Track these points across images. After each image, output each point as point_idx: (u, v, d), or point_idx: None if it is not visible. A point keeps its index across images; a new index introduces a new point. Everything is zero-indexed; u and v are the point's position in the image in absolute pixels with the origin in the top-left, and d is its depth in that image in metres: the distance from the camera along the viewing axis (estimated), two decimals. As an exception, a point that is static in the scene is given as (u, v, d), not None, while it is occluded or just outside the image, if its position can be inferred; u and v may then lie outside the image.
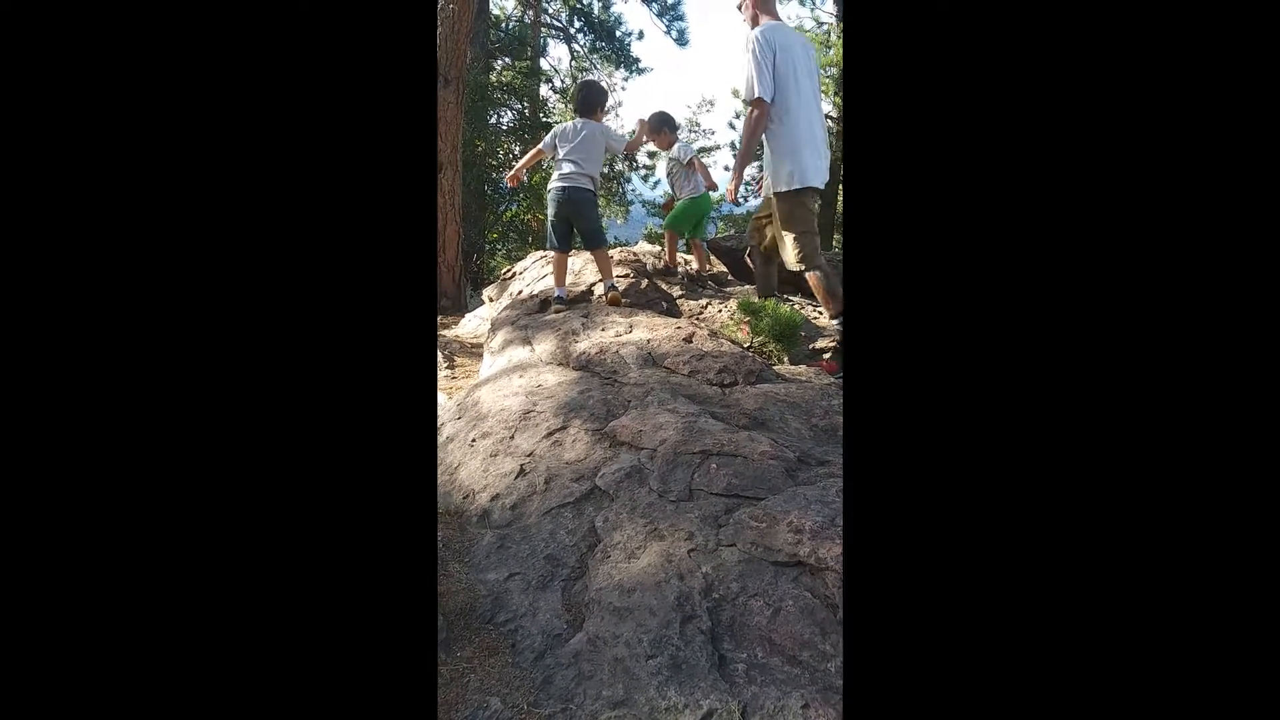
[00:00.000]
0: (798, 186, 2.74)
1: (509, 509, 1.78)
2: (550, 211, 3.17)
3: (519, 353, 2.66)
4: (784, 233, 2.81)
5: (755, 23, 2.81)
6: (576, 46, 11.20)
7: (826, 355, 2.81)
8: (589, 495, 1.72)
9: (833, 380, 2.43)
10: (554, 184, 3.15)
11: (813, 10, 12.65)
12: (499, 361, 2.69)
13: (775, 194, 2.81)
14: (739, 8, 2.91)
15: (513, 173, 3.56)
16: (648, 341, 2.43)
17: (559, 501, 1.72)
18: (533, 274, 4.16)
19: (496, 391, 2.37)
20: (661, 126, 3.67)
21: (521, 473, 1.89)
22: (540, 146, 3.26)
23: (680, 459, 1.70)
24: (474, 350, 3.68)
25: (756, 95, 2.68)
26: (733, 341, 2.53)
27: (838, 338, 2.89)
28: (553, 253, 3.24)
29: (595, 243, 3.17)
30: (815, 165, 2.74)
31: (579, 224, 3.15)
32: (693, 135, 17.43)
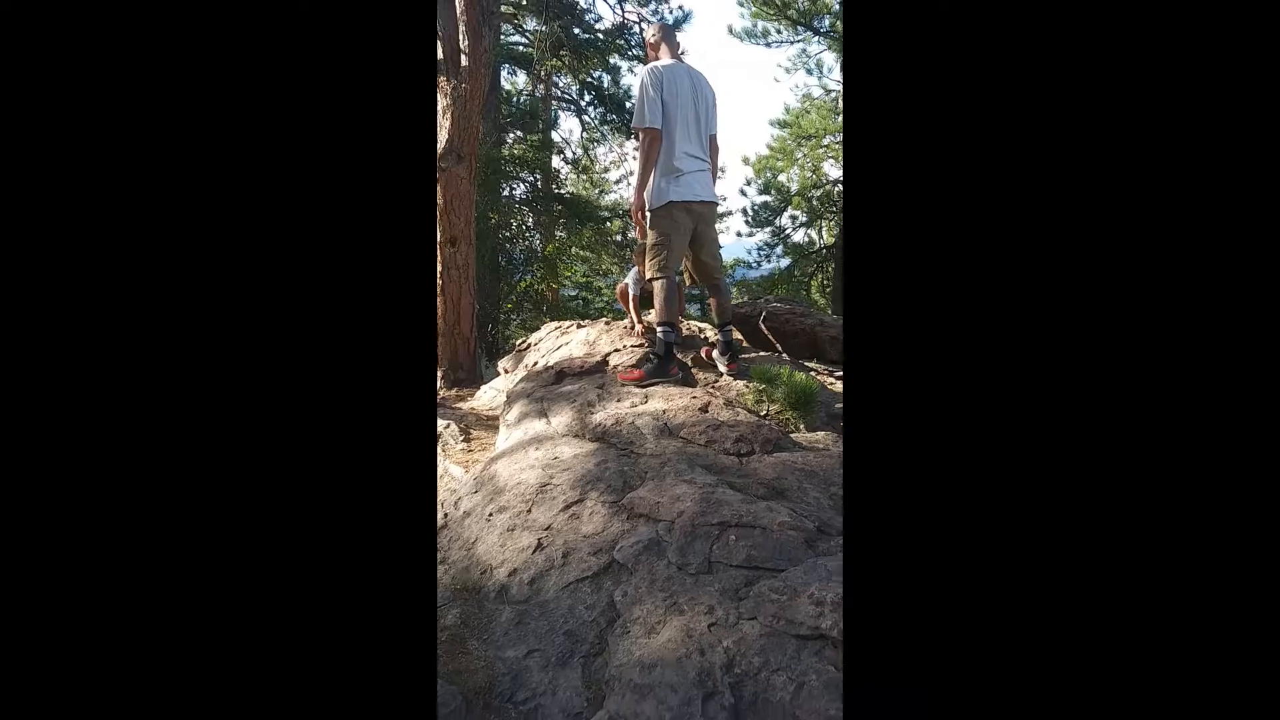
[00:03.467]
0: (658, 204, 3.04)
1: (527, 584, 1.78)
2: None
3: (536, 425, 2.69)
4: (645, 242, 3.16)
5: (649, 61, 3.17)
6: (587, 118, 11.56)
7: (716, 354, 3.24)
8: (607, 569, 1.71)
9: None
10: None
11: (820, 79, 13.05)
12: (515, 434, 2.72)
13: (648, 211, 3.11)
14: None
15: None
16: (664, 412, 2.45)
17: (577, 576, 1.72)
18: (548, 344, 4.23)
19: (513, 465, 2.39)
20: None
21: (539, 547, 1.89)
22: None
23: (699, 530, 1.70)
24: (490, 423, 3.71)
25: (646, 124, 2.97)
26: (749, 411, 2.55)
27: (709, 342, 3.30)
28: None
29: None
30: (678, 186, 3.01)
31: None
32: None
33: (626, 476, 2.11)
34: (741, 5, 11.61)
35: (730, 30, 11.88)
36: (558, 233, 11.28)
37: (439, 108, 4.72)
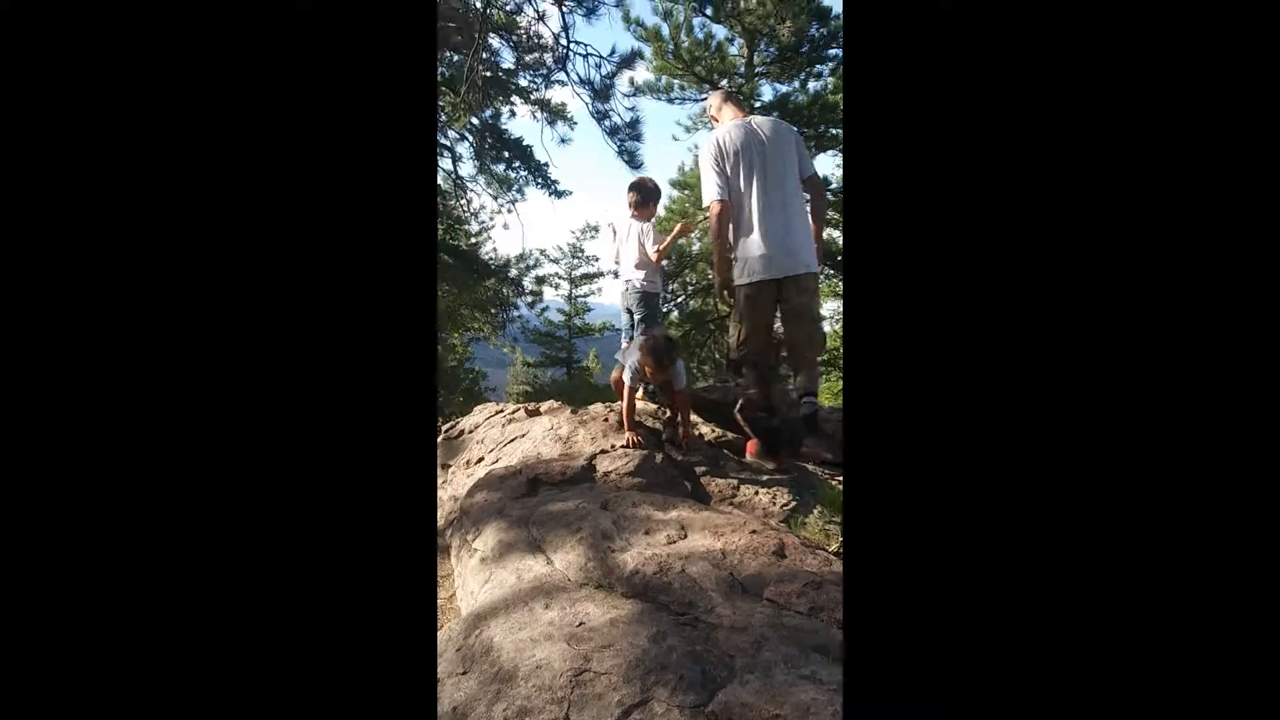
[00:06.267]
0: (745, 281, 2.80)
1: None
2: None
3: (532, 566, 2.00)
4: (732, 321, 2.95)
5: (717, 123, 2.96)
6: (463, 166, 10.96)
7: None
8: None
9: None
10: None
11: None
12: (502, 576, 2.01)
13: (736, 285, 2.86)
14: (704, 115, 3.06)
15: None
16: (720, 553, 1.85)
17: None
18: (493, 436, 3.52)
19: (518, 632, 1.70)
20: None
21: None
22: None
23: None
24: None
25: (707, 200, 2.77)
26: (835, 555, 1.99)
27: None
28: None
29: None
30: (760, 260, 2.76)
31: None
32: (576, 262, 17.50)
33: (704, 663, 1.48)
34: (644, 59, 11.34)
35: (632, 84, 11.53)
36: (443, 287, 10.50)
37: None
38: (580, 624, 1.68)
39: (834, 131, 10.56)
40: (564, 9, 7.23)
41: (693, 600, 1.69)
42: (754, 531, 1.94)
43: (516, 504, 2.45)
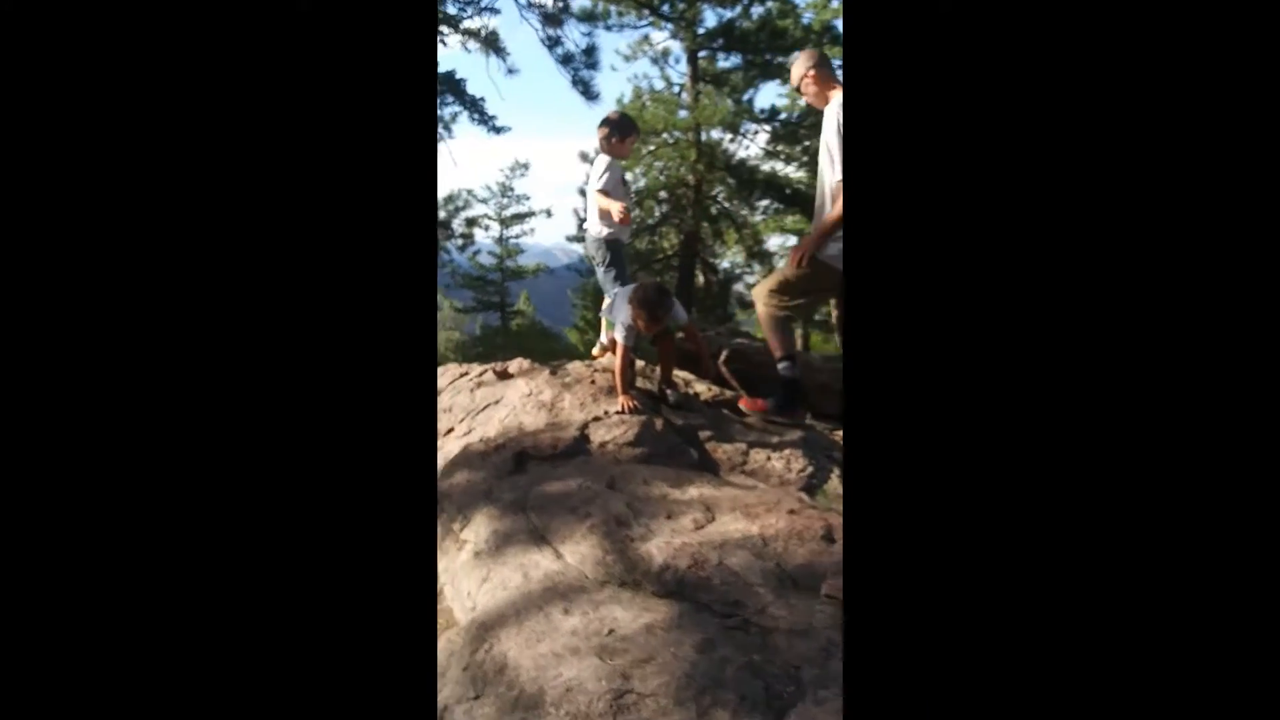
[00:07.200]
0: (830, 254, 2.69)
1: None
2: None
3: (538, 560, 1.75)
4: (790, 280, 2.77)
5: (826, 99, 2.63)
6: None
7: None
8: None
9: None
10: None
11: (662, 71, 11.88)
12: (504, 574, 1.76)
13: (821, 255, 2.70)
14: (798, 86, 2.69)
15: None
16: (760, 539, 1.63)
17: None
18: (460, 404, 3.21)
19: (534, 643, 1.46)
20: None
21: None
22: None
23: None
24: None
25: (838, 179, 2.54)
26: None
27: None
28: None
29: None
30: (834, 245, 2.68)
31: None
32: (505, 201, 16.86)
33: (765, 676, 1.28)
34: None
35: (566, 8, 10.71)
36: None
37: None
38: (610, 632, 1.45)
39: (780, 60, 10.18)
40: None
41: (739, 599, 1.48)
42: (792, 511, 1.73)
43: (505, 484, 2.19)
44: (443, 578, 2.09)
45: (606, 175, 3.06)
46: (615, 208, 2.89)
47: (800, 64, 2.67)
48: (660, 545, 1.65)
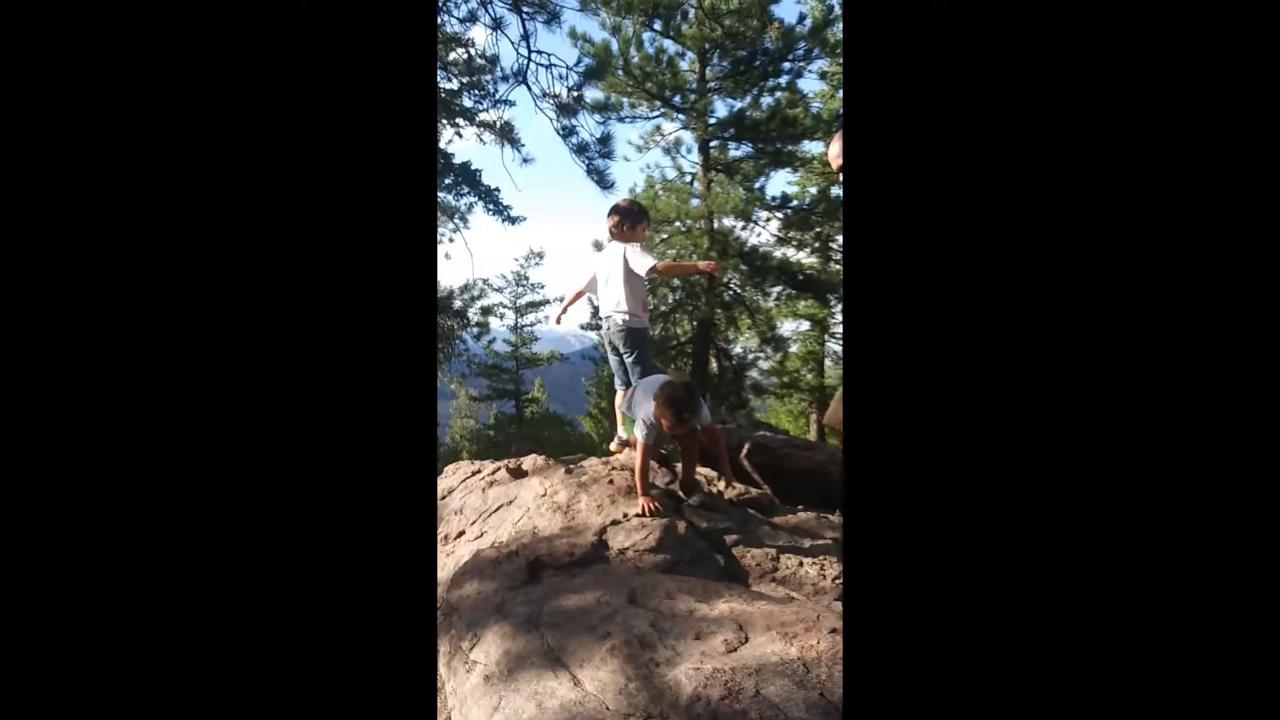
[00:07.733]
0: None
1: None
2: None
3: (554, 688, 1.58)
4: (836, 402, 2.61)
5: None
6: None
7: None
8: None
9: None
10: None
11: (674, 160, 11.92)
12: (517, 704, 1.59)
13: None
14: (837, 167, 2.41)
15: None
16: (799, 663, 1.46)
17: None
18: (472, 504, 3.07)
19: (551, 793, 1.28)
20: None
21: None
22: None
23: None
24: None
25: None
26: None
27: None
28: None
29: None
30: None
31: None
32: (520, 290, 16.98)
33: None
34: (610, 70, 10.78)
35: (580, 99, 10.98)
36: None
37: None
38: (635, 779, 1.27)
39: (790, 149, 10.37)
40: (523, 14, 6.77)
41: (781, 738, 1.30)
42: (834, 630, 1.56)
43: (518, 597, 2.03)
44: (450, 700, 1.91)
45: (641, 260, 2.97)
46: (703, 265, 3.11)
47: (837, 142, 2.59)
48: (689, 671, 1.48)
